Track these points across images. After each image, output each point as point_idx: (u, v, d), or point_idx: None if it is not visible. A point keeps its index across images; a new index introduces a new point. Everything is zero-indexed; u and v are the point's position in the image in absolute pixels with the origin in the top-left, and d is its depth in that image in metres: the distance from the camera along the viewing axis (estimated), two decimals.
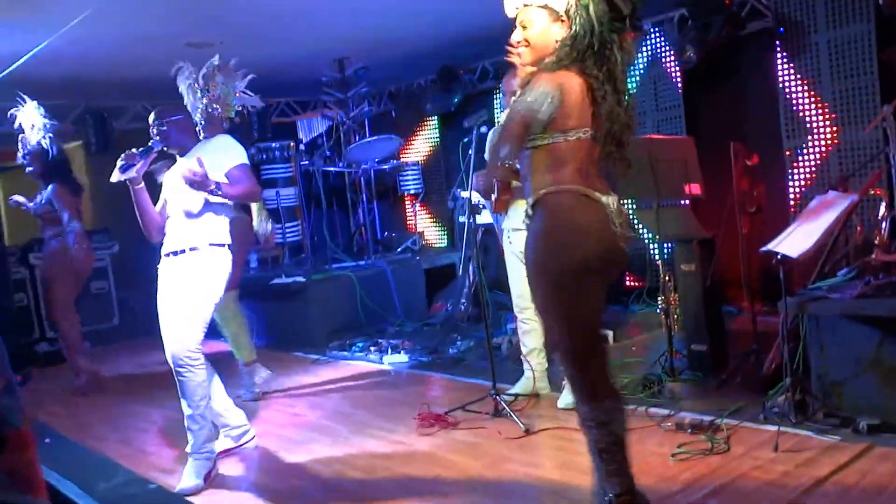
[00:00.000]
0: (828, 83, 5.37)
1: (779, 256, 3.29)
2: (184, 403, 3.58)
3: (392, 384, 5.17)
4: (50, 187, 5.53)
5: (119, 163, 3.55)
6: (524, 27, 2.47)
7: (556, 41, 2.45)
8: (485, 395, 4.17)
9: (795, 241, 3.23)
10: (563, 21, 2.45)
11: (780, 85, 5.60)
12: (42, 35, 4.91)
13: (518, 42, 2.49)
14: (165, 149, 3.76)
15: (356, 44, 6.74)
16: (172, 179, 3.79)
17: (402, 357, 5.67)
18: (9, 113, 5.49)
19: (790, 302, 3.33)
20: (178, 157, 3.83)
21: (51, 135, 5.46)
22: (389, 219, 8.71)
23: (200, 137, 4.04)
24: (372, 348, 5.94)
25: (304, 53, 6.88)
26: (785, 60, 5.58)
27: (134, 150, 3.58)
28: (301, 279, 6.68)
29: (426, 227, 8.64)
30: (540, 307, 2.55)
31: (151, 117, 3.78)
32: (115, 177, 3.58)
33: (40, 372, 6.67)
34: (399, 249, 7.86)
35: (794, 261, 3.25)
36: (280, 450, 3.97)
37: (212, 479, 3.57)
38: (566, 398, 4.05)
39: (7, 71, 5.38)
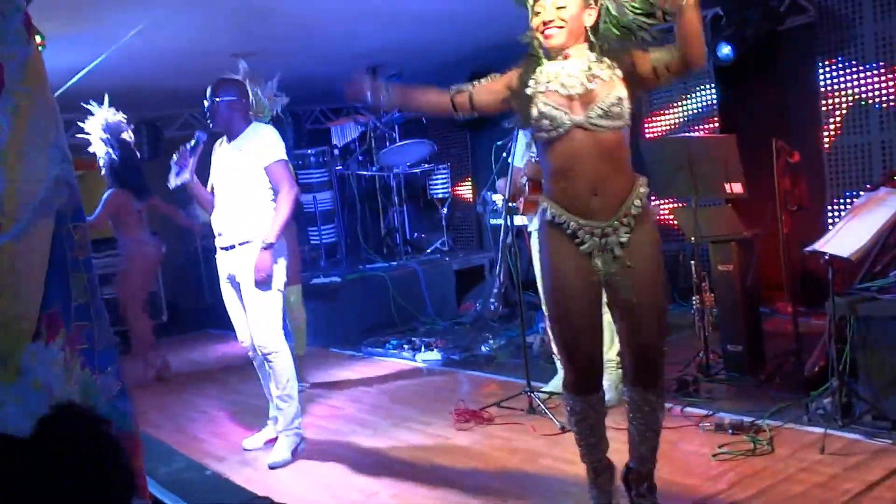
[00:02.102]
0: (873, 77, 5.04)
1: (826, 256, 3.07)
2: (272, 385, 3.67)
3: (426, 381, 5.05)
4: (105, 193, 5.49)
5: (173, 168, 3.54)
6: (560, 6, 2.27)
7: (586, 27, 2.31)
8: (518, 392, 4.05)
9: (845, 239, 3.00)
10: (591, 8, 2.31)
11: (821, 80, 5.28)
12: (98, 49, 4.90)
13: (550, 22, 2.27)
14: (212, 126, 3.67)
15: (388, 52, 6.65)
16: (221, 166, 3.69)
17: (435, 355, 5.52)
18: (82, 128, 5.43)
19: (838, 303, 3.10)
20: (225, 140, 3.73)
21: (109, 138, 5.38)
22: (419, 221, 8.57)
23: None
24: (405, 346, 5.80)
25: (337, 62, 6.80)
26: (826, 56, 5.25)
27: (182, 148, 3.55)
28: (337, 279, 6.60)
29: (455, 229, 8.49)
30: (658, 304, 2.44)
31: (208, 91, 3.68)
32: (173, 182, 3.57)
33: None
34: (429, 250, 7.74)
35: (842, 261, 3.02)
36: (324, 441, 3.92)
37: (299, 454, 3.66)
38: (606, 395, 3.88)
39: (68, 84, 5.34)
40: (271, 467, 3.56)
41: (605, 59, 2.32)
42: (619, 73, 2.31)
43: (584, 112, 2.28)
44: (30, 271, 1.57)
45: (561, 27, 2.28)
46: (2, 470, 1.04)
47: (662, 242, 2.47)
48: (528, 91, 2.33)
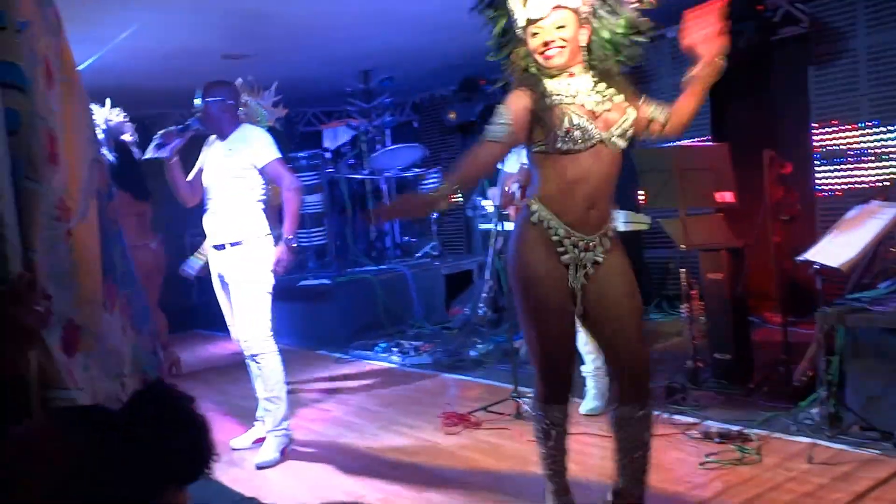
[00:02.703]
0: (865, 90, 5.08)
1: (816, 266, 3.06)
2: (259, 387, 3.66)
3: (414, 384, 5.00)
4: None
5: (155, 139, 3.52)
6: (560, 26, 2.27)
7: (581, 46, 2.32)
8: (505, 397, 4.02)
9: (836, 250, 2.99)
10: (585, 27, 2.31)
11: (813, 91, 5.32)
12: (92, 48, 4.82)
13: (551, 42, 2.27)
14: (202, 128, 3.66)
15: (381, 56, 6.63)
16: (213, 166, 3.66)
17: (424, 358, 5.48)
18: None
19: (828, 312, 3.09)
20: (217, 140, 3.70)
21: (106, 139, 5.28)
22: (409, 225, 8.53)
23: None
24: (394, 349, 5.76)
25: (330, 65, 6.78)
26: (819, 68, 5.28)
27: (172, 127, 3.54)
28: (326, 281, 6.55)
29: (444, 234, 8.45)
30: (636, 321, 2.45)
31: (198, 94, 3.67)
32: (150, 153, 3.57)
33: None
34: (418, 255, 7.70)
35: (830, 271, 3.01)
36: (310, 443, 3.88)
37: (287, 455, 3.64)
38: (588, 404, 3.87)
39: None
40: (259, 467, 3.53)
41: (605, 82, 2.34)
42: (622, 96, 2.35)
43: (608, 129, 2.31)
44: (94, 248, 1.72)
45: (563, 47, 2.28)
46: (101, 440, 1.12)
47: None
48: (556, 101, 2.29)
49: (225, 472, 3.48)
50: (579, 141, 2.27)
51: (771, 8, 5.38)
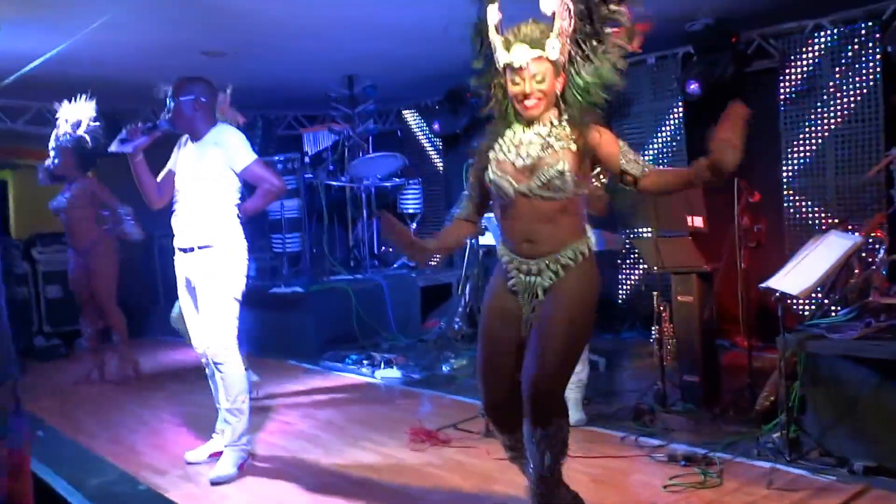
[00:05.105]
0: (831, 125, 5.32)
1: (778, 293, 3.19)
2: (221, 396, 3.59)
3: (384, 398, 5.05)
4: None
5: (120, 134, 3.48)
6: (539, 80, 2.38)
7: (556, 94, 2.44)
8: (475, 414, 4.06)
9: (796, 278, 3.13)
10: (561, 76, 2.43)
11: (783, 122, 5.56)
12: (61, 35, 4.83)
13: (530, 94, 2.39)
14: (174, 127, 3.60)
15: (366, 62, 6.68)
16: (185, 167, 3.62)
17: (395, 372, 5.53)
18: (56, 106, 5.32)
19: (788, 339, 3.22)
20: (189, 139, 3.66)
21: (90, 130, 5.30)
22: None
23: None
24: (365, 362, 5.80)
25: (314, 69, 6.82)
26: (788, 100, 5.54)
27: (140, 124, 3.49)
28: (299, 289, 6.57)
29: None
30: (559, 348, 2.45)
31: (169, 91, 3.60)
32: (113, 147, 3.51)
33: (39, 366, 6.55)
34: (396, 265, 7.76)
35: (791, 298, 3.14)
36: (270, 458, 3.86)
37: (245, 470, 3.59)
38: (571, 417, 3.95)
39: (23, 71, 5.28)
40: (214, 483, 3.46)
41: (566, 127, 2.45)
42: (573, 145, 2.41)
43: (528, 182, 2.41)
44: None
45: (540, 99, 2.40)
46: None
47: (594, 305, 2.55)
48: (491, 155, 2.49)
49: (178, 488, 3.45)
50: (498, 194, 2.47)
51: (744, 41, 5.63)
